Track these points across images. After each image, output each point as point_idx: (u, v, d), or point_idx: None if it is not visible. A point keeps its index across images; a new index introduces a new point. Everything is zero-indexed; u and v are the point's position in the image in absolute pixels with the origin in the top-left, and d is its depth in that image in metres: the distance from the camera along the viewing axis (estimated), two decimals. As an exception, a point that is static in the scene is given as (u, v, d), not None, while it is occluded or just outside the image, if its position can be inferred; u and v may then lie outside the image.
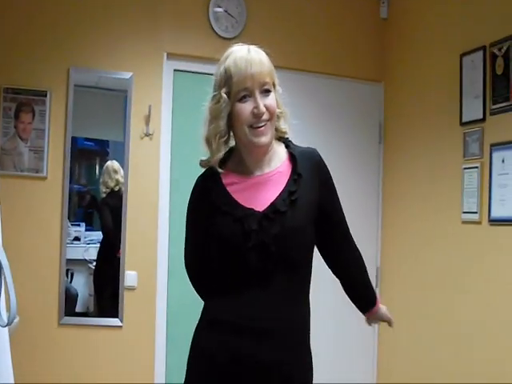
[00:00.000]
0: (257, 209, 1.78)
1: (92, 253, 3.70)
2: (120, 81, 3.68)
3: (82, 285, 3.70)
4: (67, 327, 3.51)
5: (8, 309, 1.31)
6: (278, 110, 1.84)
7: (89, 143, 3.85)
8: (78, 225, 3.69)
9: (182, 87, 3.84)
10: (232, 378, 1.75)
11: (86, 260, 3.70)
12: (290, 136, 1.95)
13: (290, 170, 1.86)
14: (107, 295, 3.73)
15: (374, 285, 4.19)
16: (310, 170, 1.87)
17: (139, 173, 3.67)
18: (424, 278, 3.73)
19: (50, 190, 3.51)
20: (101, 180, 3.73)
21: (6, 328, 1.34)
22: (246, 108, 1.77)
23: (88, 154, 3.87)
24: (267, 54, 1.83)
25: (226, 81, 1.78)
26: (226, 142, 1.85)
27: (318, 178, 1.89)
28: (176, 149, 3.79)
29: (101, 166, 3.82)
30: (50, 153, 3.50)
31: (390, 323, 2.17)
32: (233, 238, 1.77)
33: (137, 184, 3.66)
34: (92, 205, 3.80)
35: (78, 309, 3.67)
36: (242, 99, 1.77)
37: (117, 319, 3.60)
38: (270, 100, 1.79)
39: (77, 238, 3.66)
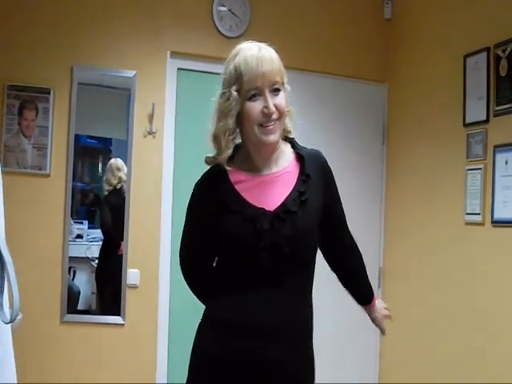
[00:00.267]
0: (267, 208, 1.77)
1: (94, 251, 3.70)
2: (123, 79, 3.68)
3: (84, 282, 3.71)
4: (69, 325, 3.51)
5: (11, 306, 1.30)
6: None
7: (92, 141, 3.86)
8: (81, 222, 3.69)
9: (186, 86, 3.84)
10: (236, 378, 1.75)
11: (88, 258, 3.70)
12: (294, 135, 1.95)
13: (297, 171, 1.86)
14: (109, 293, 3.74)
15: (376, 285, 4.24)
16: (316, 171, 1.87)
17: (142, 171, 3.67)
18: (426, 278, 3.72)
19: (53, 187, 3.51)
20: (104, 177, 3.73)
21: (9, 325, 1.34)
22: (255, 107, 1.76)
23: (91, 152, 3.88)
24: (276, 51, 1.82)
25: (237, 79, 1.77)
26: (234, 139, 1.84)
27: (323, 179, 1.90)
28: (179, 147, 3.79)
29: (104, 164, 3.83)
30: (53, 150, 3.51)
31: (382, 332, 2.17)
32: (244, 238, 1.75)
33: (140, 182, 3.66)
34: (95, 203, 3.81)
35: (80, 306, 3.67)
36: (252, 98, 1.76)
37: (119, 317, 3.60)
38: (280, 99, 1.79)
39: (79, 236, 3.67)
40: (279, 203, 1.78)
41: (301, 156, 1.89)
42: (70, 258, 3.54)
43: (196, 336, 1.88)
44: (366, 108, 4.29)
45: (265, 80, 1.75)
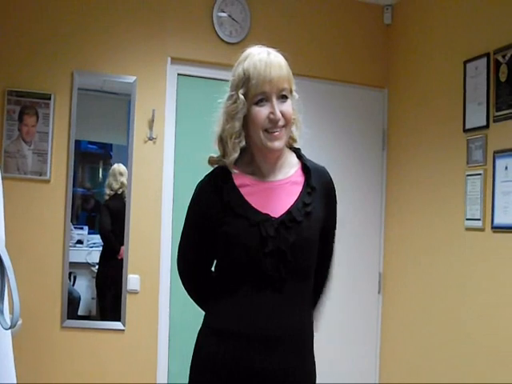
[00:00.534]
0: (272, 215, 1.77)
1: (95, 256, 3.70)
2: (124, 85, 3.69)
3: (84, 288, 3.70)
4: (69, 330, 3.51)
5: (11, 311, 1.30)
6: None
7: (92, 147, 3.86)
8: (81, 228, 3.69)
9: (186, 91, 3.84)
10: None
11: (88, 263, 3.70)
12: (299, 144, 1.94)
13: (302, 181, 1.86)
14: (109, 298, 3.73)
15: (376, 290, 4.24)
16: (321, 187, 1.87)
17: (142, 177, 3.68)
18: (426, 284, 3.72)
19: (54, 192, 3.51)
20: (106, 182, 3.73)
21: (9, 331, 1.34)
22: (262, 112, 1.76)
23: (91, 158, 3.88)
24: (285, 58, 1.83)
25: (244, 82, 1.76)
26: (240, 142, 1.82)
27: (327, 198, 1.90)
28: (179, 153, 3.80)
29: (104, 170, 3.83)
30: (53, 156, 3.51)
31: None
32: (249, 242, 1.74)
33: (140, 188, 3.67)
34: (95, 208, 3.81)
35: (80, 312, 3.67)
36: (259, 103, 1.76)
37: (119, 323, 3.60)
38: (287, 106, 1.78)
39: (80, 241, 3.66)
40: (284, 211, 1.78)
41: (307, 167, 1.88)
42: (71, 263, 3.54)
43: (196, 342, 1.87)
44: (365, 114, 4.29)
45: (272, 86, 1.75)
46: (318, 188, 1.86)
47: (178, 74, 3.84)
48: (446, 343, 3.47)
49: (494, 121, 3.18)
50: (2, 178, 1.43)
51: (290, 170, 1.88)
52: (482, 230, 3.23)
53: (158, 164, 3.73)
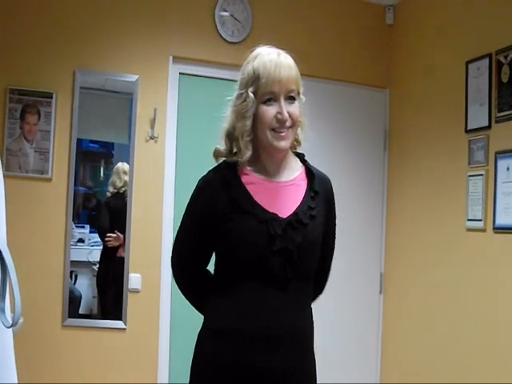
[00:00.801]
0: (279, 215, 1.78)
1: (96, 255, 3.70)
2: (126, 83, 3.69)
3: (85, 287, 3.71)
4: (71, 329, 3.51)
5: (12, 310, 1.31)
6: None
7: (94, 145, 3.86)
8: (83, 227, 3.69)
9: (188, 90, 3.84)
10: None
11: (90, 262, 3.70)
12: (303, 148, 1.96)
13: (305, 185, 1.87)
14: (111, 297, 3.74)
15: (377, 291, 4.25)
16: (323, 193, 1.89)
17: (144, 175, 3.68)
18: (428, 284, 3.72)
19: (55, 191, 3.51)
20: (110, 180, 3.73)
21: (10, 329, 1.34)
22: (270, 111, 1.77)
23: (93, 156, 3.88)
24: (294, 59, 1.84)
25: (254, 81, 1.77)
26: (251, 140, 1.82)
27: (328, 205, 1.91)
28: (181, 152, 3.80)
29: (106, 169, 3.84)
30: (55, 154, 3.51)
31: None
32: (257, 240, 1.74)
33: (141, 187, 3.67)
34: (96, 207, 3.81)
35: (81, 311, 3.67)
36: (267, 102, 1.77)
37: (120, 321, 3.60)
38: (294, 108, 1.80)
39: (81, 240, 3.67)
40: (290, 212, 1.79)
41: (311, 172, 1.90)
42: (72, 261, 3.54)
43: (196, 345, 1.86)
44: (367, 114, 4.29)
45: (281, 86, 1.76)
46: (321, 193, 1.87)
47: (180, 73, 3.83)
48: (447, 344, 3.47)
49: (496, 121, 3.18)
50: (4, 177, 1.43)
51: (294, 173, 1.89)
52: (483, 230, 3.23)
53: (160, 163, 3.73)
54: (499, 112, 3.16)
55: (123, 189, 3.69)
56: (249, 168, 1.85)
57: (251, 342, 1.73)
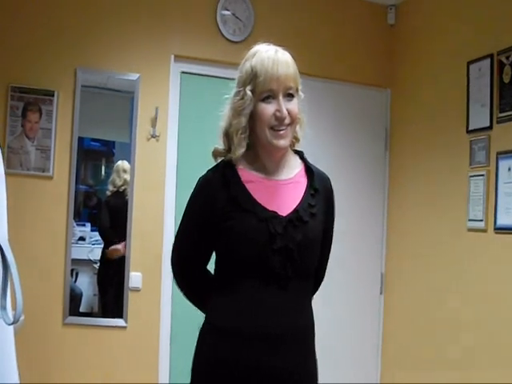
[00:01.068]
0: (279, 213, 1.77)
1: (97, 253, 3.70)
2: (127, 82, 3.68)
3: (86, 285, 3.70)
4: (71, 327, 3.51)
5: (14, 307, 1.31)
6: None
7: (95, 144, 3.86)
8: (84, 225, 3.69)
9: (189, 89, 3.84)
10: None
11: (90, 260, 3.70)
12: (302, 145, 1.95)
13: (305, 182, 1.87)
14: (111, 295, 3.74)
15: (378, 291, 4.25)
16: (323, 193, 1.89)
17: (145, 174, 3.68)
18: (428, 284, 3.72)
19: (56, 189, 3.51)
20: (110, 178, 3.73)
21: (12, 326, 1.34)
22: (268, 109, 1.77)
23: (94, 155, 3.88)
24: (292, 56, 1.84)
25: (252, 79, 1.77)
26: (246, 138, 1.82)
27: (327, 203, 1.91)
28: (182, 151, 3.79)
29: (107, 167, 3.84)
30: (56, 152, 3.51)
31: None
32: (257, 238, 1.73)
33: (143, 185, 3.67)
34: (97, 205, 3.81)
35: (82, 309, 3.67)
36: (266, 100, 1.77)
37: (121, 320, 3.60)
38: (293, 105, 1.79)
39: (82, 238, 3.67)
40: (290, 210, 1.79)
41: (310, 170, 1.90)
42: (73, 260, 3.54)
43: (198, 340, 1.85)
44: (368, 114, 4.28)
45: (280, 83, 1.75)
46: (320, 191, 1.87)
47: (182, 72, 3.83)
48: (448, 344, 3.47)
49: (498, 122, 3.18)
50: (5, 174, 1.44)
51: (294, 171, 1.89)
52: (484, 230, 3.23)
53: (161, 162, 3.73)
54: (501, 112, 3.17)
55: (123, 187, 3.69)
56: (248, 167, 1.85)
57: (250, 340, 1.72)
